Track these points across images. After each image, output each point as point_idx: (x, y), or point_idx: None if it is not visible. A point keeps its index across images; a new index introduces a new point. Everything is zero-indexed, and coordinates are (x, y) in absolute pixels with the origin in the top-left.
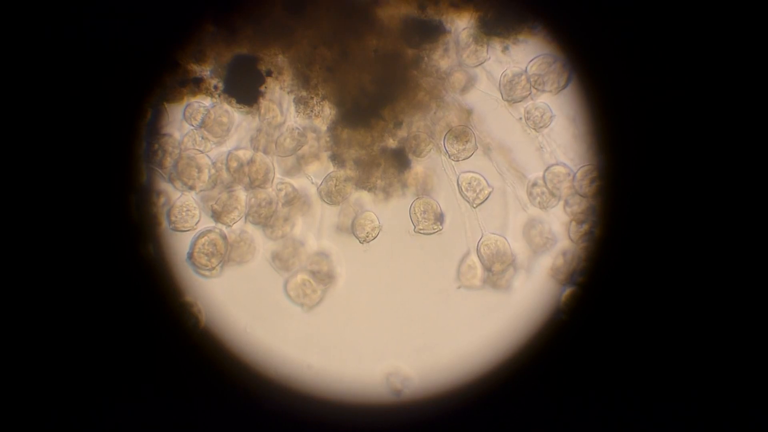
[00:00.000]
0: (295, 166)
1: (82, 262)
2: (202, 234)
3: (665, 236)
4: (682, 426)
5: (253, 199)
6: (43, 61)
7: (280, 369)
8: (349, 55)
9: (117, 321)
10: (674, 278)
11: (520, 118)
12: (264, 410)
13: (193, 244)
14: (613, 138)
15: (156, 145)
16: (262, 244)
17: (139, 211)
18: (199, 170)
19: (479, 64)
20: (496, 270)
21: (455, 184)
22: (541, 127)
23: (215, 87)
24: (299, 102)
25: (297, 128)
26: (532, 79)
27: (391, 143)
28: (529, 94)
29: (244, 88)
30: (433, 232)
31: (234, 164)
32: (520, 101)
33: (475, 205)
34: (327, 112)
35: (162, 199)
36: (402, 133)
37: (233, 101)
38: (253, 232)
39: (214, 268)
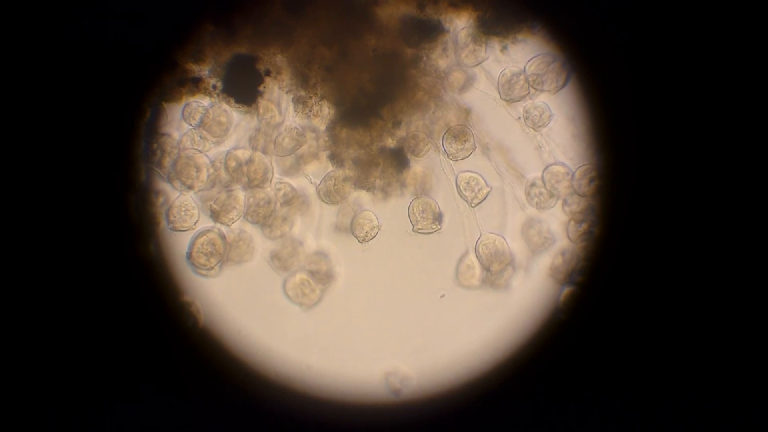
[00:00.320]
0: (294, 165)
1: (80, 261)
2: (201, 234)
3: (665, 236)
4: (681, 426)
5: (251, 199)
6: (41, 60)
7: (280, 369)
8: (348, 55)
9: (116, 321)
10: (674, 278)
11: (519, 118)
12: (263, 411)
13: (192, 243)
14: (612, 137)
15: (155, 145)
16: (260, 243)
17: (137, 210)
18: (198, 170)
19: (478, 64)
20: (495, 270)
21: (454, 184)
22: (539, 126)
23: (214, 86)
24: (298, 101)
25: (296, 128)
26: (530, 79)
27: (390, 143)
28: (528, 93)
29: (243, 87)
30: (432, 232)
31: (233, 164)
32: (518, 101)
33: (473, 205)
34: (326, 111)
35: (161, 199)
36: (401, 132)
37: (232, 101)
38: (252, 231)
39: (212, 268)
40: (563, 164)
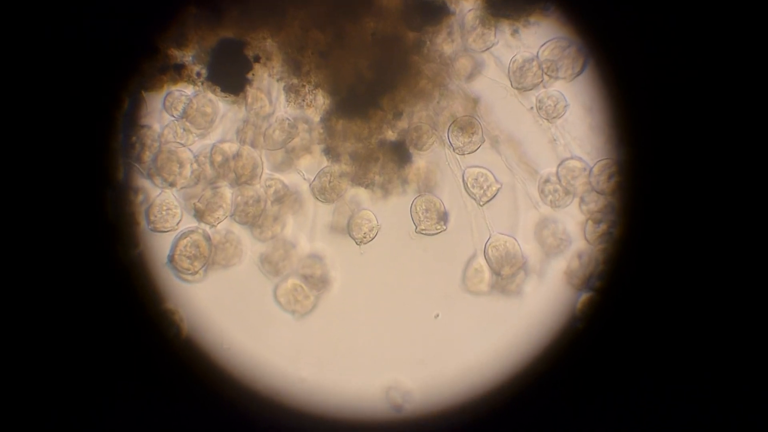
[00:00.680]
0: (286, 160)
1: (53, 263)
2: (184, 235)
3: (689, 237)
4: None
5: (239, 197)
6: (9, 48)
7: (270, 383)
8: (345, 39)
9: (99, 324)
10: (698, 282)
11: (532, 108)
12: (253, 427)
13: (174, 245)
14: (633, 129)
15: (134, 138)
16: (249, 245)
17: (115, 209)
18: (181, 165)
19: (486, 49)
20: (506, 274)
21: (460, 180)
22: (554, 117)
23: (198, 74)
24: (290, 90)
25: (287, 119)
26: (544, 65)
27: (391, 135)
28: (541, 81)
29: (230, 75)
30: (437, 233)
31: (218, 158)
32: (531, 89)
33: (482, 203)
34: (320, 101)
35: (140, 197)
36: (402, 124)
37: (218, 89)
38: (240, 232)
39: (197, 272)
40: (580, 159)
